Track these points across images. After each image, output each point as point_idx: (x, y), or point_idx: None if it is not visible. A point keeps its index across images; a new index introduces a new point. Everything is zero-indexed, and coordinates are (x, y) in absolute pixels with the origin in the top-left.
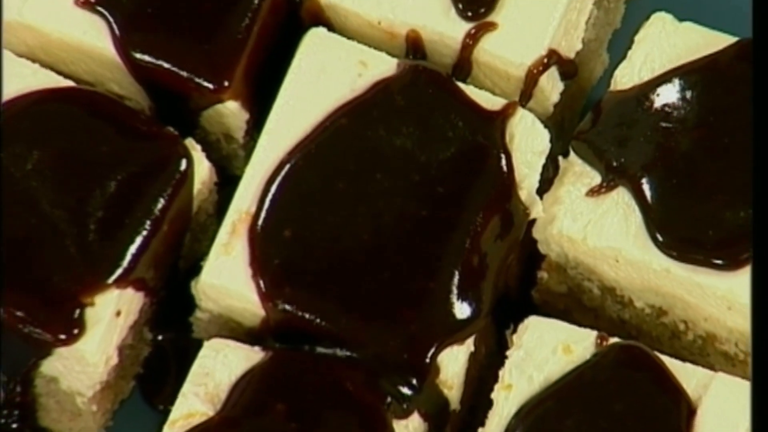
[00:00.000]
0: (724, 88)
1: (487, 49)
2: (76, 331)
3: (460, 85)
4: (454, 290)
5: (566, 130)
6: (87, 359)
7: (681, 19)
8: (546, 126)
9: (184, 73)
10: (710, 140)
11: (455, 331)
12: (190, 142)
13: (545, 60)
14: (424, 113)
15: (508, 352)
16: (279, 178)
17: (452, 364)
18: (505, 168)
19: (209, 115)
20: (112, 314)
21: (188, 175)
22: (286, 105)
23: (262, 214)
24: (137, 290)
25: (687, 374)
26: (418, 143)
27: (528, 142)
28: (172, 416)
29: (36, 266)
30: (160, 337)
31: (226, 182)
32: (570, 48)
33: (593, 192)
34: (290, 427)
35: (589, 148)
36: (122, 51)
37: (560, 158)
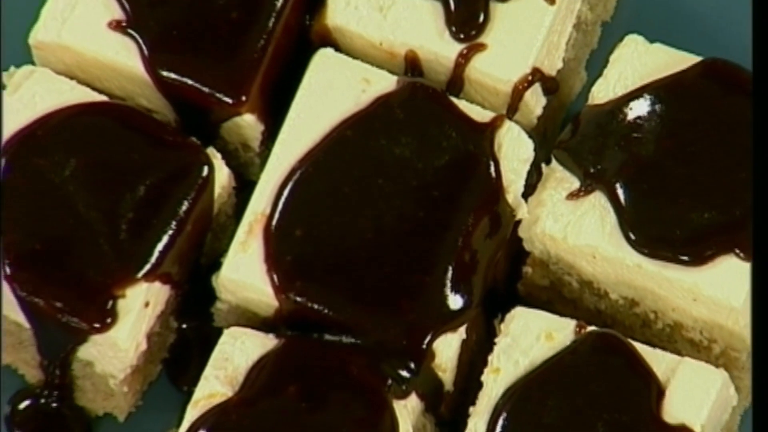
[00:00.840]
0: (689, 103)
1: (478, 67)
2: (109, 320)
3: (453, 99)
4: (448, 283)
5: (548, 140)
6: (119, 345)
7: (651, 41)
8: (530, 136)
9: (206, 89)
10: (677, 149)
11: (449, 320)
12: (211, 151)
13: (530, 77)
14: (421, 125)
15: (496, 339)
16: (291, 183)
17: (446, 349)
18: (493, 174)
19: (228, 127)
20: (142, 305)
21: (209, 180)
22: (298, 117)
23: (276, 216)
24: (164, 283)
25: (656, 359)
26: (416, 152)
27: (514, 150)
28: (195, 396)
29: (73, 262)
30: (184, 326)
31: (243, 187)
32: (552, 66)
33: (572, 196)
34: (301, 406)
35: (568, 156)
36: (150, 69)
37: (543, 165)
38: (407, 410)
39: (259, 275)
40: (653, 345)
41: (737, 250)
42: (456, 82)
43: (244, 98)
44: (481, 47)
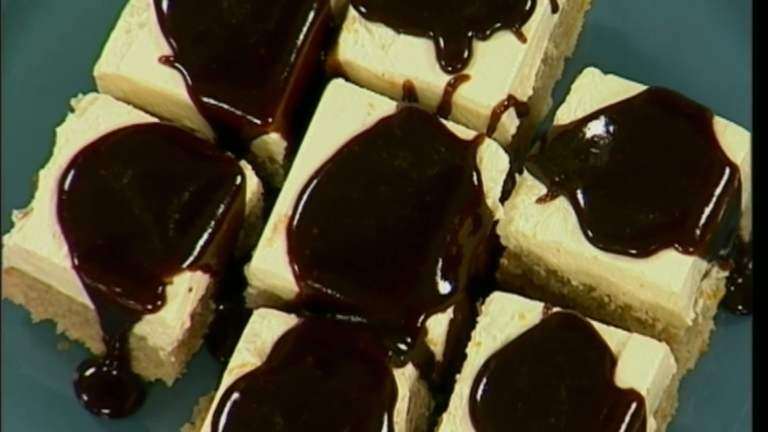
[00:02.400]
0: (637, 123)
1: (463, 94)
2: (159, 303)
3: (443, 121)
4: (438, 272)
5: (521, 155)
6: (167, 323)
7: (605, 73)
8: (506, 151)
9: (239, 112)
10: (627, 161)
11: (439, 303)
12: (243, 163)
13: (505, 102)
14: (416, 142)
15: (478, 319)
16: (309, 190)
17: (437, 327)
18: (476, 182)
19: (257, 143)
20: (186, 290)
21: (242, 187)
22: (314, 136)
23: (296, 217)
24: (204, 272)
25: (610, 335)
26: (411, 164)
27: (493, 163)
28: (230, 365)
29: (129, 255)
30: (221, 307)
31: (270, 193)
32: (524, 94)
33: (541, 200)
34: (316, 374)
35: (537, 167)
36: (193, 96)
37: (516, 175)
38: (405, 377)
39: (283, 266)
40: (607, 323)
41: (676, 245)
42: (445, 106)
43: (270, 120)
44: (466, 78)
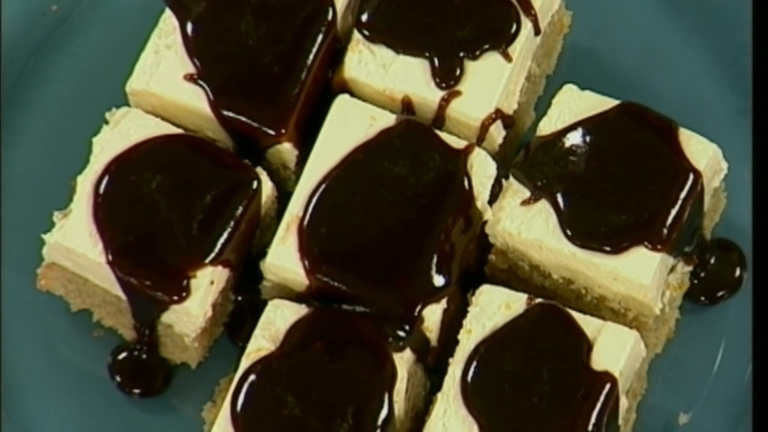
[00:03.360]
0: (610, 134)
1: (455, 108)
2: (184, 294)
3: (437, 131)
4: (433, 267)
5: (507, 162)
6: (191, 313)
7: (582, 89)
8: (494, 159)
9: (255, 124)
10: (601, 168)
11: (434, 295)
12: (259, 170)
13: (493, 116)
14: (413, 150)
15: (469, 308)
16: (318, 193)
17: (432, 316)
18: (467, 187)
19: (271, 152)
20: (208, 283)
21: (258, 191)
22: (322, 145)
23: (307, 217)
24: (224, 267)
25: (587, 323)
26: (409, 170)
27: (482, 169)
28: (247, 350)
29: (158, 251)
30: (239, 298)
31: (283, 196)
32: (509, 108)
33: (525, 203)
34: (324, 357)
35: (522, 173)
36: (214, 109)
37: (503, 180)
38: (403, 360)
39: (295, 261)
40: (584, 312)
41: (646, 243)
42: (439, 119)
43: (283, 131)
44: (458, 93)
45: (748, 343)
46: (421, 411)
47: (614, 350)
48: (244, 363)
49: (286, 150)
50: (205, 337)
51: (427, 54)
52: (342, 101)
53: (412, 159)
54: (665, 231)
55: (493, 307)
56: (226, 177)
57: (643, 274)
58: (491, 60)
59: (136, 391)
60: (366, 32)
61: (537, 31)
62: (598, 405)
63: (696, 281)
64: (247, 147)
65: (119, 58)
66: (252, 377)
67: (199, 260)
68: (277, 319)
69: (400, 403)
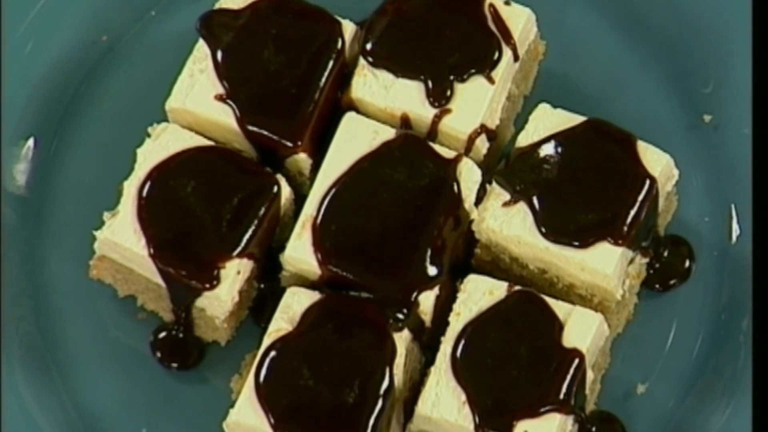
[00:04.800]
0: (578, 146)
1: (446, 123)
2: (215, 283)
3: (431, 144)
4: (428, 259)
5: (490, 170)
6: (221, 298)
7: (555, 107)
8: (479, 167)
9: (275, 137)
10: (571, 175)
11: (428, 283)
12: (279, 176)
13: (478, 130)
14: (410, 160)
15: (458, 294)
16: (329, 197)
17: (426, 301)
18: (456, 191)
19: (289, 161)
20: (235, 273)
21: (278, 194)
22: (333, 155)
23: (319, 217)
24: (249, 259)
25: (558, 307)
26: (407, 177)
27: (469, 176)
28: (269, 330)
29: (192, 246)
30: (262, 286)
31: (299, 199)
32: (492, 123)
33: (505, 204)
34: (334, 336)
35: (503, 179)
36: (240, 125)
37: (487, 185)
38: (402, 339)
39: (309, 254)
40: (556, 298)
41: (609, 238)
42: (432, 133)
43: (299, 143)
44: (448, 111)
45: (696, 324)
46: (417, 382)
47: (582, 330)
48: (266, 341)
49: (302, 159)
50: (232, 318)
51: (422, 77)
52: (349, 118)
53: (409, 167)
54: (625, 228)
55: (479, 294)
56: (251, 182)
57: (606, 265)
58: (477, 82)
59: (174, 365)
60: (370, 59)
61: (516, 58)
62: (568, 377)
63: (651, 271)
64: (268, 157)
65: (159, 81)
66: (272, 353)
67: (227, 253)
68: (294, 304)
69: (399, 375)
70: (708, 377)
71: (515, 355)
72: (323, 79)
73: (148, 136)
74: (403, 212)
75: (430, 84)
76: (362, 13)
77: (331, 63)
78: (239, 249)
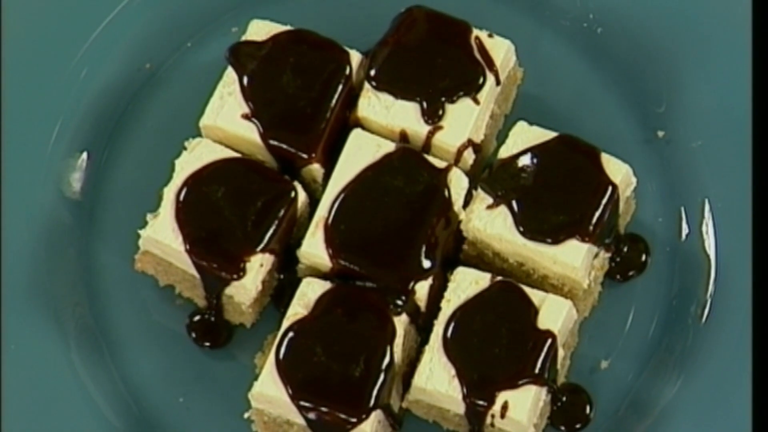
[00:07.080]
0: (551, 157)
1: (438, 138)
2: (241, 274)
3: (425, 155)
4: (423, 254)
5: (476, 178)
6: (247, 287)
7: (531, 125)
8: (466, 175)
9: (292, 150)
10: (545, 182)
11: (423, 274)
12: (296, 183)
13: (466, 144)
14: (407, 169)
15: (448, 284)
16: (338, 201)
17: (422, 289)
18: (446, 196)
19: (305, 170)
20: (259, 266)
21: (295, 199)
22: (342, 166)
23: (330, 218)
24: (271, 254)
25: (534, 294)
26: (405, 184)
27: (458, 183)
28: (287, 314)
29: (222, 242)
30: (282, 276)
31: (313, 203)
32: (478, 138)
33: (489, 207)
34: (343, 320)
35: (487, 186)
36: (264, 139)
37: (474, 191)
38: (401, 322)
39: (322, 250)
40: (532, 287)
41: (577, 236)
42: (426, 146)
43: (313, 155)
44: (440, 128)
45: (651, 309)
46: (413, 359)
47: (554, 314)
48: (285, 324)
49: (316, 169)
50: (256, 304)
51: (418, 99)
52: (356, 134)
53: (407, 175)
54: (591, 227)
55: (466, 283)
56: (272, 188)
57: (575, 259)
58: (464, 103)
59: (206, 344)
60: (373, 83)
61: (498, 82)
62: (542, 354)
63: (613, 264)
64: (287, 167)
65: (194, 102)
66: (290, 334)
67: (252, 249)
68: (309, 292)
69: (399, 353)
70: (661, 354)
71: (497, 335)
72: (334, 101)
73: (185, 148)
74: (401, 214)
75: (424, 105)
76: (367, 44)
77: (340, 87)
78: (262, 245)
